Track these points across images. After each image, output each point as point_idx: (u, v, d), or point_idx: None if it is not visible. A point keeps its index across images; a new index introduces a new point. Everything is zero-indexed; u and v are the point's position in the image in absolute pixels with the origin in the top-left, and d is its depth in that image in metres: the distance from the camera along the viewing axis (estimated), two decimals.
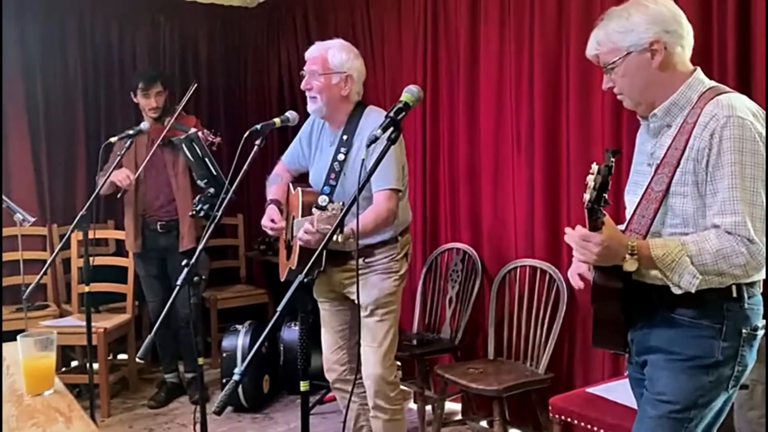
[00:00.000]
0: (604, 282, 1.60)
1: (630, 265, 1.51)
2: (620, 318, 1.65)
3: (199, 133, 3.37)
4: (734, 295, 1.54)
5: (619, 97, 1.68)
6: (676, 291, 1.52)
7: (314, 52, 2.49)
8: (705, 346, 1.56)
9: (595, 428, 2.28)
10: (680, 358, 1.58)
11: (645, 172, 1.67)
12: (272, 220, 2.51)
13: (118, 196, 3.61)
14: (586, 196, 1.44)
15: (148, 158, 3.55)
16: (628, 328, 1.69)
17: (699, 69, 1.64)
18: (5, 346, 2.27)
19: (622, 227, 1.63)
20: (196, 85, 3.75)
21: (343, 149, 2.47)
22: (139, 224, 3.72)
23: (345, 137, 2.48)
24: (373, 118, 2.47)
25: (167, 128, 3.57)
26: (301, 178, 2.74)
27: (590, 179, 1.44)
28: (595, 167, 1.44)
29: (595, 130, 2.79)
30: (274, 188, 2.68)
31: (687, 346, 1.57)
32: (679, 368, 1.58)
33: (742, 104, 1.53)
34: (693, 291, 1.49)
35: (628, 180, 1.77)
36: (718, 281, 1.50)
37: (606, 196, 1.44)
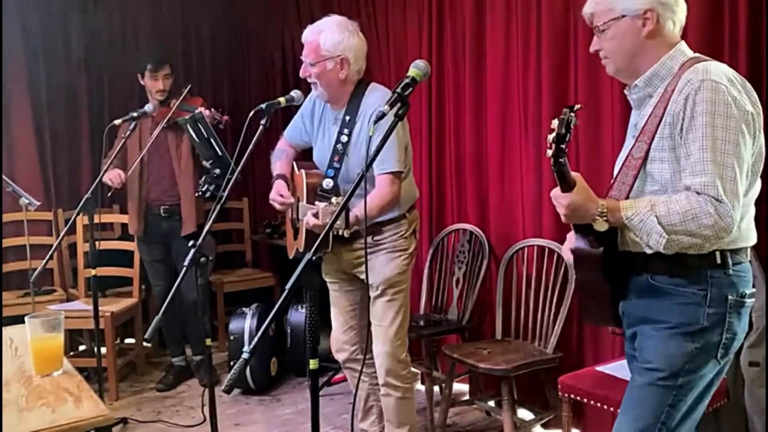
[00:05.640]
0: (585, 249, 1.65)
1: (600, 225, 1.57)
2: (605, 287, 1.68)
3: (206, 113, 3.33)
4: (718, 261, 1.57)
5: (603, 61, 1.71)
6: (647, 250, 1.55)
7: (308, 37, 2.43)
8: (690, 312, 1.58)
9: (605, 406, 2.27)
10: (666, 326, 1.60)
11: (630, 145, 1.69)
12: (281, 194, 2.49)
13: (108, 195, 3.49)
14: (548, 152, 1.49)
15: (152, 140, 3.51)
16: (617, 301, 1.71)
17: (683, 42, 1.67)
18: (13, 328, 2.27)
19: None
20: (189, 87, 3.62)
21: (345, 130, 2.44)
22: (143, 208, 3.69)
23: (347, 118, 2.45)
24: (375, 96, 2.43)
25: (173, 110, 3.52)
26: (304, 153, 2.71)
27: (549, 138, 1.48)
28: (555, 122, 1.48)
29: (604, 108, 2.75)
30: (279, 164, 2.65)
31: (672, 314, 1.59)
32: (666, 336, 1.60)
33: (718, 69, 1.55)
34: (662, 250, 1.52)
35: (618, 157, 1.78)
36: (689, 242, 1.51)
37: (564, 146, 1.47)
